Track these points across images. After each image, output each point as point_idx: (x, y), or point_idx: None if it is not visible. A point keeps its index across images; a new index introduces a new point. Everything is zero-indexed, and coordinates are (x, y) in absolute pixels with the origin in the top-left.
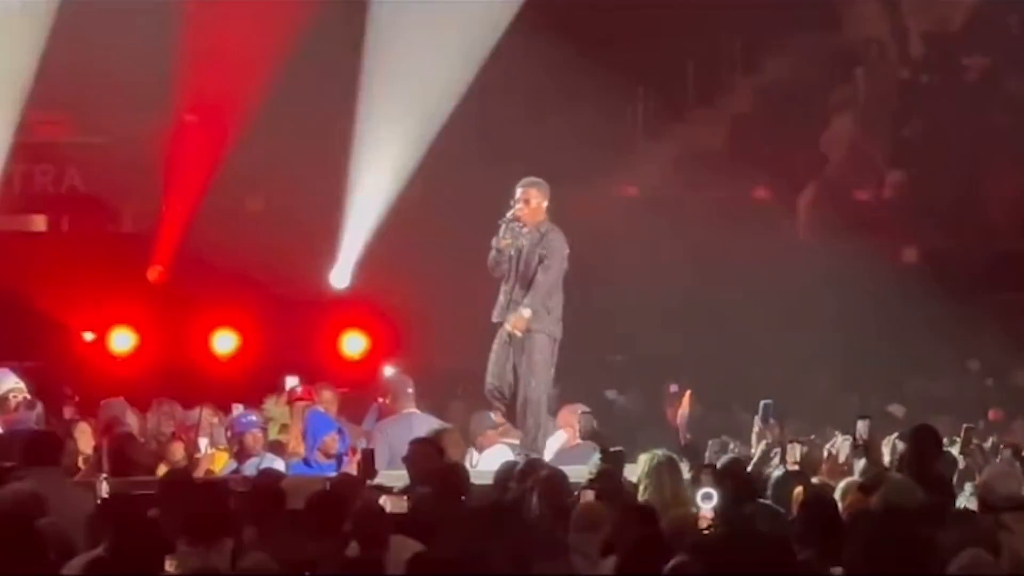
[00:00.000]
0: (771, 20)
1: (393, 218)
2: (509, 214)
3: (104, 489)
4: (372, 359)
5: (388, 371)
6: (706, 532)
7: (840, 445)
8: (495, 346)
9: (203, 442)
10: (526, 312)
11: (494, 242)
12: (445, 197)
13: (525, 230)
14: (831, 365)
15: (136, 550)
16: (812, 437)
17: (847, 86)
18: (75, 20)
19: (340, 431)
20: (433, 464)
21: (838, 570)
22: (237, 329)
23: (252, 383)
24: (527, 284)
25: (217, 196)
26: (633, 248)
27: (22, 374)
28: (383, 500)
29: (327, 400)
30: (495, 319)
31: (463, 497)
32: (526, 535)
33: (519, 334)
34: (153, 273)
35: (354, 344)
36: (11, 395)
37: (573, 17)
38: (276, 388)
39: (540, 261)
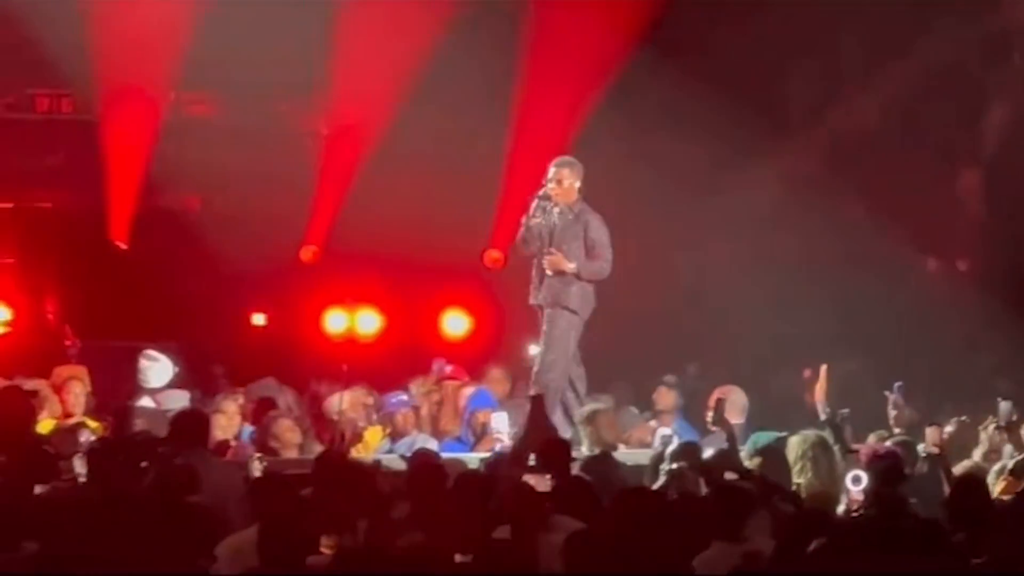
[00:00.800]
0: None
1: None
2: (541, 192)
3: (257, 468)
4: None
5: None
6: (856, 514)
7: (989, 428)
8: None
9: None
10: (571, 266)
11: (524, 220)
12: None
13: (556, 209)
14: (991, 350)
15: (290, 529)
16: (964, 418)
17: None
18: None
19: (499, 410)
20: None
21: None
22: (381, 309)
23: (396, 364)
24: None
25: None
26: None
27: (175, 353)
28: (528, 479)
29: (495, 379)
30: (532, 302)
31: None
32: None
33: (550, 273)
34: (307, 253)
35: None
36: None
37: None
38: (422, 370)
39: (590, 248)
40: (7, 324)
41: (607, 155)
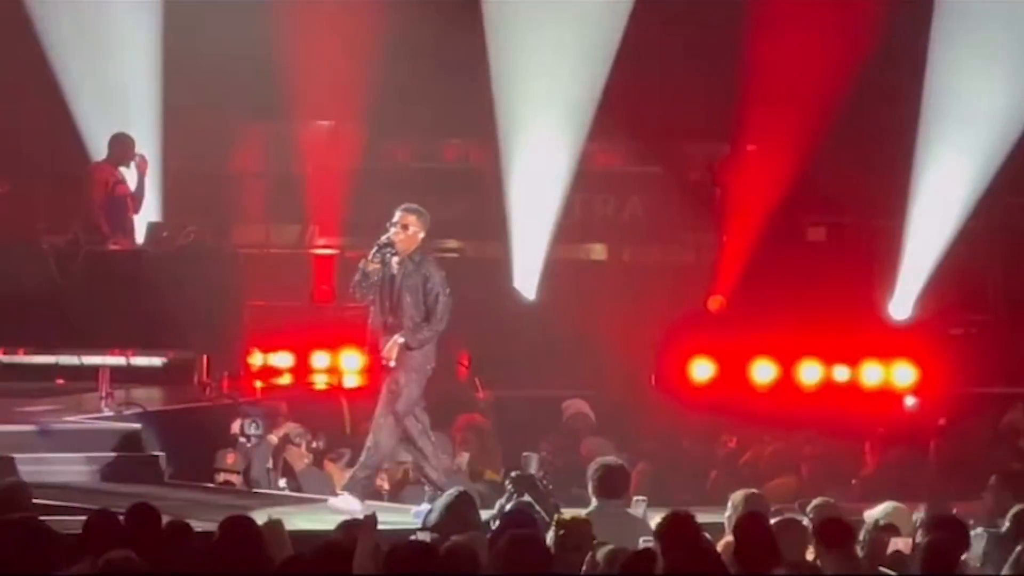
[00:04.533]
0: None
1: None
2: (384, 237)
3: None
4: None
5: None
6: None
7: None
8: None
9: None
10: (400, 339)
11: (362, 264)
12: None
13: (396, 259)
14: None
15: None
16: None
17: None
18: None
19: None
20: None
21: None
22: (777, 359)
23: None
24: (397, 311)
25: (775, 223)
26: None
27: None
28: None
29: None
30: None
31: None
32: None
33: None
34: (714, 303)
35: (904, 375)
36: None
37: None
38: None
39: (429, 301)
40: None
41: None
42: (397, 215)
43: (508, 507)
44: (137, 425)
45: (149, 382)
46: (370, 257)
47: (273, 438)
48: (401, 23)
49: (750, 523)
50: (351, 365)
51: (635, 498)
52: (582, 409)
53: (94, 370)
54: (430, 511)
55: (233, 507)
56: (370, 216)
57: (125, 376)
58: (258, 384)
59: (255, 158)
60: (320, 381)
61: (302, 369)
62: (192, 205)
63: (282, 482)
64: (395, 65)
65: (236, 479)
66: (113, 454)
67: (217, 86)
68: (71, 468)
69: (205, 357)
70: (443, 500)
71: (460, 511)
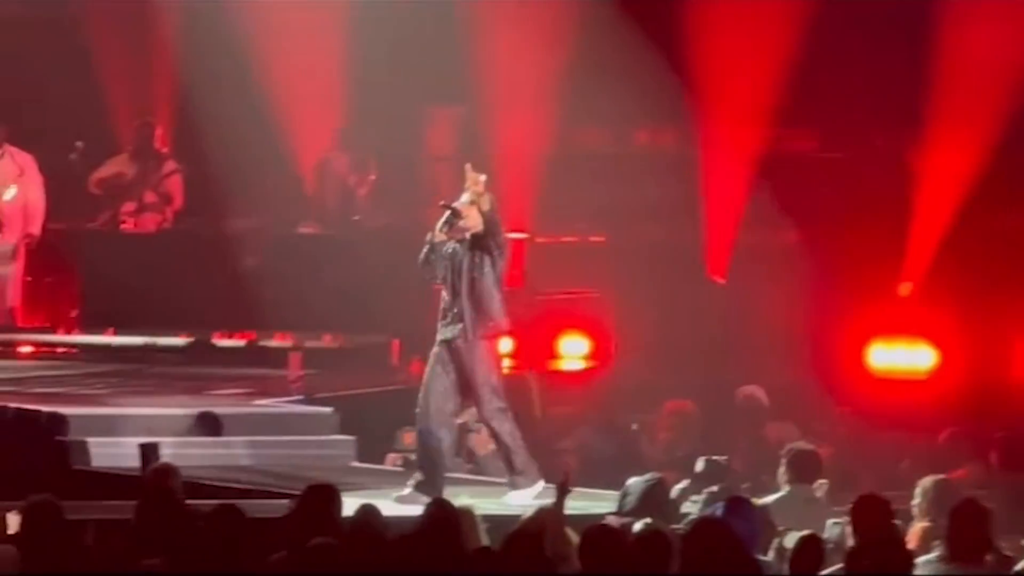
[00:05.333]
0: None
1: None
2: (454, 204)
3: None
4: None
5: None
6: None
7: None
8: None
9: None
10: None
11: (429, 237)
12: None
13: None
14: None
15: None
16: None
17: None
18: None
19: None
20: None
21: None
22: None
23: None
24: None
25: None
26: None
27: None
28: None
29: None
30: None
31: None
32: None
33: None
34: (905, 289)
35: None
36: None
37: None
38: None
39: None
40: (587, 357)
41: None
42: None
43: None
44: (328, 409)
45: (340, 365)
46: (438, 227)
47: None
48: (593, 6)
49: (967, 508)
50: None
51: (817, 482)
52: (755, 394)
53: (284, 353)
54: (625, 495)
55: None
56: (560, 202)
57: (316, 359)
58: None
59: (446, 142)
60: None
61: None
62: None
63: (465, 467)
64: (586, 50)
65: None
66: (305, 437)
67: (407, 71)
68: (264, 452)
69: (396, 340)
70: (639, 486)
71: (656, 497)
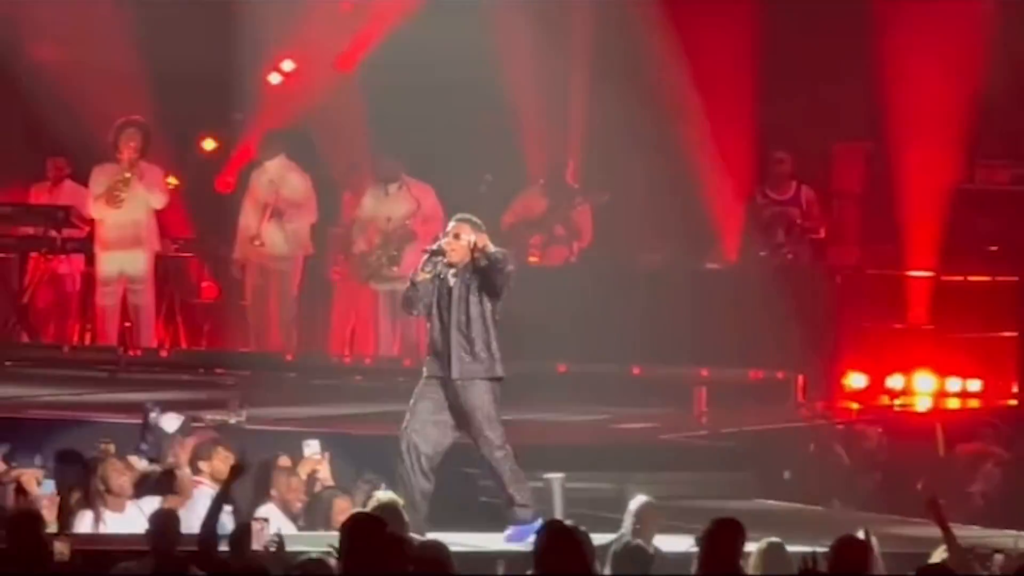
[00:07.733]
0: None
1: None
2: (435, 245)
3: None
4: None
5: None
6: None
7: None
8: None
9: None
10: None
11: (412, 276)
12: None
13: (452, 271)
14: None
15: None
16: None
17: None
18: None
19: None
20: None
21: None
22: None
23: None
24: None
25: None
26: None
27: None
28: None
29: None
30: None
31: None
32: None
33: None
34: None
35: None
36: None
37: None
38: None
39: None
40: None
41: None
42: (451, 225)
43: None
44: (731, 443)
45: (744, 400)
46: (420, 267)
47: None
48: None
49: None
50: (925, 387)
51: None
52: None
53: (687, 387)
54: None
55: None
56: (966, 239)
57: (720, 393)
58: (853, 405)
59: (854, 178)
60: (909, 403)
61: (878, 390)
62: None
63: None
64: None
65: None
66: (708, 472)
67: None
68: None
69: (801, 377)
70: None
71: None
